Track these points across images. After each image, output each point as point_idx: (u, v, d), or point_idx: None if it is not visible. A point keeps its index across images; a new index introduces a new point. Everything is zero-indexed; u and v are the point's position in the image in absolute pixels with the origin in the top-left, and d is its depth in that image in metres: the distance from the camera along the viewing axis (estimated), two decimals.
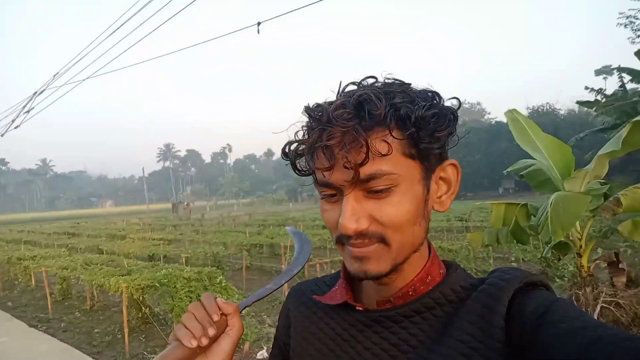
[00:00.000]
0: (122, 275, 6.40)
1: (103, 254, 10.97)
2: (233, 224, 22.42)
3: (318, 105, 0.62)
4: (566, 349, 0.48)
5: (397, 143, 0.58)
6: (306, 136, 0.62)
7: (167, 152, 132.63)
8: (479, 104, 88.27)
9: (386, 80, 0.63)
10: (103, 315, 7.67)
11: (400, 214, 0.59)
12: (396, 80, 0.63)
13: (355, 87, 0.63)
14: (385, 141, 0.57)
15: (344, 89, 0.63)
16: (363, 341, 0.65)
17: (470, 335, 0.57)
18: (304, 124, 0.63)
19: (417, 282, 0.65)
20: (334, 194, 0.61)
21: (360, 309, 0.68)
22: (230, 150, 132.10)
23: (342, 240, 0.61)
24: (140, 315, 6.60)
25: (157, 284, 5.95)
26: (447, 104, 0.64)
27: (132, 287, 5.82)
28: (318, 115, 0.59)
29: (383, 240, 0.59)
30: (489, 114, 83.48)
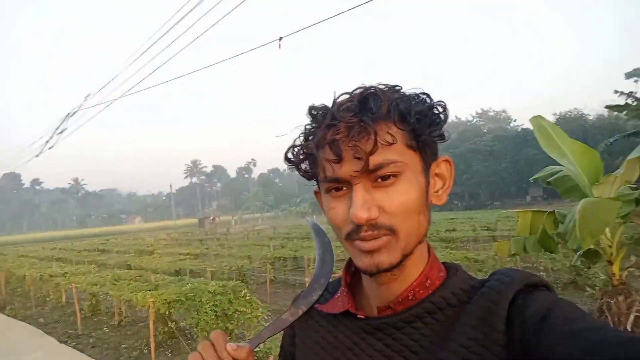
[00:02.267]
0: (149, 290, 6.48)
1: (131, 269, 11.18)
2: (257, 238, 22.55)
3: (321, 106, 0.65)
4: (569, 352, 0.48)
5: (400, 134, 0.61)
6: (308, 138, 0.65)
7: (193, 168, 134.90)
8: (504, 111, 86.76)
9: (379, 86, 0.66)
10: (130, 330, 7.78)
11: (407, 201, 0.61)
12: (386, 84, 0.66)
13: (346, 96, 0.65)
14: (390, 133, 0.60)
15: (336, 98, 0.65)
16: (366, 349, 0.66)
17: (472, 339, 0.57)
18: (305, 126, 0.67)
19: (416, 286, 0.65)
20: (340, 187, 0.63)
21: (362, 316, 0.69)
22: (254, 164, 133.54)
23: (352, 234, 0.62)
24: (166, 329, 6.68)
25: (183, 298, 6.01)
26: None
27: (159, 301, 5.89)
28: (323, 115, 0.63)
29: (392, 230, 0.60)
30: (515, 121, 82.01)
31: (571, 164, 4.92)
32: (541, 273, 8.87)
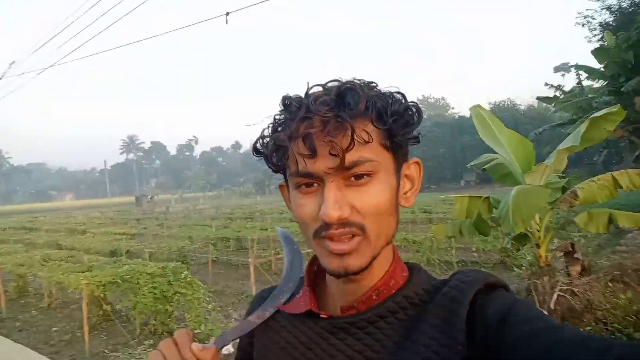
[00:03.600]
0: (83, 272, 6.18)
1: (62, 249, 10.60)
2: (199, 218, 22.11)
3: (296, 97, 0.62)
4: (530, 351, 0.48)
5: (376, 133, 0.60)
6: (279, 129, 0.63)
7: (130, 144, 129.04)
8: (443, 99, 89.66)
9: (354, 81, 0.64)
10: (62, 313, 7.41)
11: (380, 202, 0.60)
12: (362, 80, 0.64)
13: (320, 89, 0.63)
14: (366, 130, 0.58)
15: (309, 89, 0.63)
16: (328, 349, 0.65)
17: (434, 339, 0.57)
18: (276, 116, 0.64)
19: (380, 285, 0.65)
20: (311, 183, 0.61)
21: (325, 316, 0.67)
22: (196, 142, 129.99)
23: (321, 232, 0.60)
24: (101, 312, 6.42)
25: (119, 281, 5.78)
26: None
27: (93, 284, 5.63)
28: (297, 106, 0.60)
29: (362, 229, 0.59)
30: (453, 108, 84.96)
31: (506, 152, 5.18)
32: (473, 254, 9.38)
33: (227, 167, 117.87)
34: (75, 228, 17.47)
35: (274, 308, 0.73)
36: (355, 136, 0.57)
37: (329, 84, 0.63)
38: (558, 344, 0.47)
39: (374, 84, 0.64)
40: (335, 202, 0.58)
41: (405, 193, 0.67)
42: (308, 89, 0.63)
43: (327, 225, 0.59)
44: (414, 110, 0.63)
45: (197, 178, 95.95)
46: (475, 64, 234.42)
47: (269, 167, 0.65)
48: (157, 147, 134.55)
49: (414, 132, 0.65)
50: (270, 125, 0.65)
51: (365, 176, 0.59)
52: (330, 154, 0.57)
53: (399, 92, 0.64)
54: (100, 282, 5.69)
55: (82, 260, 7.71)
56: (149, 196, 49.91)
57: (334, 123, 0.57)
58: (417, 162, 0.68)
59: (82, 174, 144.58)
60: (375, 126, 0.60)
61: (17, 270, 7.80)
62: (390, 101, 0.61)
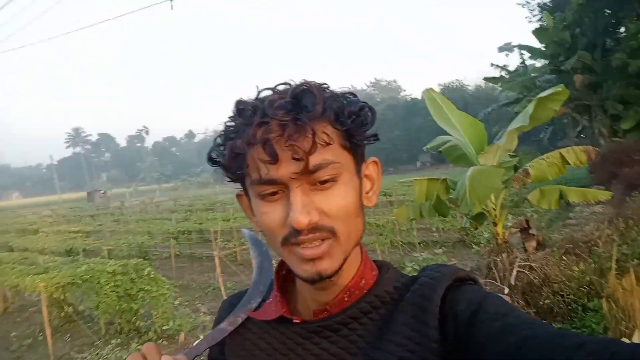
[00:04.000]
0: (39, 274, 5.96)
1: (13, 251, 10.14)
2: (157, 211, 21.60)
3: (250, 102, 0.61)
4: (501, 347, 0.49)
5: (335, 134, 0.59)
6: (232, 136, 0.60)
7: (76, 136, 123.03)
8: (395, 81, 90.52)
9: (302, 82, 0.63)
10: (20, 317, 7.16)
11: (347, 203, 0.60)
12: (314, 82, 0.63)
13: (270, 93, 0.62)
14: (326, 132, 0.58)
15: (258, 94, 0.62)
16: (302, 354, 0.64)
17: (407, 337, 0.58)
18: (228, 123, 0.62)
19: (351, 286, 0.65)
20: (274, 192, 0.59)
21: (297, 321, 0.66)
22: (147, 132, 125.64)
23: (291, 239, 0.59)
24: (63, 314, 6.23)
25: (78, 281, 5.63)
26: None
27: (51, 285, 5.46)
28: (252, 111, 0.58)
29: (333, 232, 0.59)
30: (405, 91, 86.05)
31: (459, 134, 5.35)
32: (434, 234, 9.69)
33: (181, 157, 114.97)
34: (25, 228, 16.68)
35: (245, 314, 0.72)
36: (316, 138, 0.56)
37: (280, 87, 0.62)
38: (530, 340, 0.48)
39: (325, 85, 0.63)
40: (303, 207, 0.57)
41: (367, 193, 0.67)
42: (259, 93, 0.62)
43: (296, 232, 0.58)
44: (368, 110, 0.63)
45: (151, 170, 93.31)
46: (425, 46, 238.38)
47: (227, 177, 0.63)
48: (106, 139, 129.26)
49: (370, 132, 0.65)
50: (223, 133, 0.63)
51: (329, 181, 0.59)
52: (293, 158, 0.56)
53: (350, 93, 0.64)
54: (58, 283, 5.52)
55: (37, 262, 7.42)
56: (102, 191, 48.13)
57: (293, 127, 0.55)
58: (375, 162, 0.68)
59: (27, 171, 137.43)
60: (334, 127, 0.59)
61: None
62: (345, 102, 0.61)
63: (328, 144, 0.57)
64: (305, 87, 0.59)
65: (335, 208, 0.59)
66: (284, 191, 0.59)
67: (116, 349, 5.25)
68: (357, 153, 0.63)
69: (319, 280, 0.60)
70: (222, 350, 0.73)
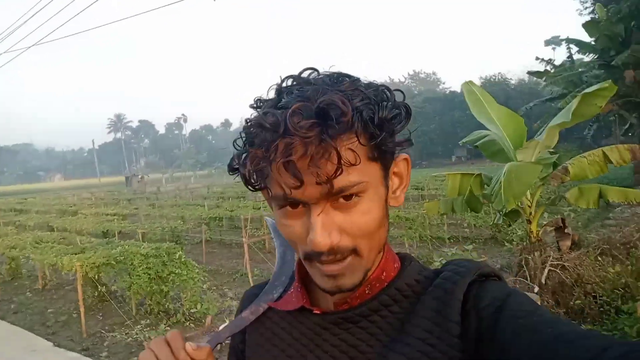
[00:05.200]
0: (76, 254, 6.19)
1: (54, 231, 10.55)
2: (191, 197, 22.05)
3: (267, 112, 0.54)
4: (524, 346, 0.48)
5: (362, 148, 0.55)
6: (254, 142, 0.55)
7: (118, 122, 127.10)
8: (434, 73, 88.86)
9: (331, 74, 0.59)
10: (57, 294, 7.44)
11: (370, 221, 0.57)
12: (342, 74, 0.59)
13: (294, 81, 0.58)
14: (352, 149, 0.53)
15: (281, 83, 0.59)
16: (322, 344, 0.64)
17: (428, 331, 0.57)
18: (250, 127, 0.56)
19: (373, 280, 0.63)
20: (296, 204, 0.56)
21: (318, 312, 0.66)
22: (185, 120, 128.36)
23: (312, 257, 0.57)
24: (96, 293, 6.45)
25: (113, 262, 5.81)
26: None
27: (87, 265, 5.65)
28: (271, 124, 0.53)
29: (355, 251, 0.57)
30: (444, 83, 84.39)
31: (498, 129, 5.19)
32: (465, 230, 9.48)
33: (217, 145, 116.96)
34: (65, 209, 17.37)
35: (267, 304, 0.72)
36: (342, 160, 0.52)
37: (306, 74, 0.58)
38: (554, 339, 0.47)
39: (357, 81, 0.57)
40: (324, 230, 0.55)
41: (394, 192, 0.64)
42: (280, 86, 0.58)
43: (317, 253, 0.56)
44: (404, 111, 0.58)
45: (187, 157, 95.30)
46: (467, 37, 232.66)
47: (247, 187, 0.60)
48: (145, 126, 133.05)
49: (405, 132, 0.60)
50: (244, 137, 0.58)
51: (354, 196, 0.55)
52: (317, 182, 0.52)
53: (382, 87, 0.58)
54: (94, 263, 5.70)
55: (74, 242, 7.70)
56: (139, 176, 49.57)
57: (316, 147, 0.51)
58: (405, 159, 0.64)
59: (70, 154, 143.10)
60: (362, 140, 0.54)
61: (9, 252, 7.77)
62: (376, 107, 0.55)
63: (353, 164, 0.53)
64: (333, 96, 0.52)
65: (358, 227, 0.56)
66: (306, 206, 0.56)
67: (145, 329, 5.38)
68: (386, 159, 0.59)
69: (339, 293, 0.60)
70: (243, 339, 0.74)
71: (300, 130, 0.51)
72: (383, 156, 0.58)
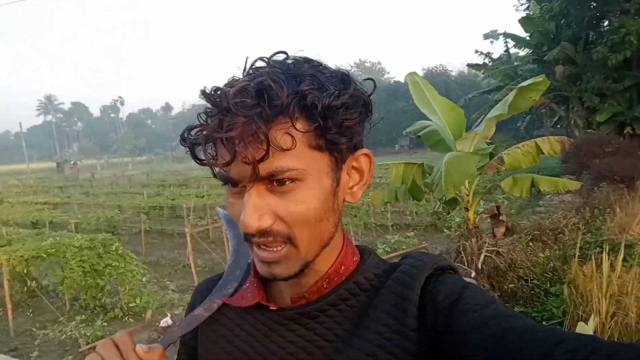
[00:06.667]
0: (2, 246, 5.77)
1: None
2: (129, 185, 21.24)
3: (217, 89, 0.55)
4: (480, 338, 0.49)
5: (301, 135, 0.53)
6: (208, 121, 0.56)
7: (48, 104, 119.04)
8: (379, 63, 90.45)
9: (297, 58, 0.58)
10: None
11: (306, 211, 0.55)
12: (307, 58, 0.58)
13: (264, 64, 0.57)
14: (288, 133, 0.52)
15: (251, 65, 0.58)
16: (278, 340, 0.63)
17: (385, 325, 0.57)
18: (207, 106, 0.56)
19: (331, 274, 0.63)
20: (236, 184, 0.56)
21: (274, 308, 0.65)
22: (122, 103, 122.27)
23: (248, 237, 0.57)
24: (25, 289, 6.05)
25: (43, 255, 5.46)
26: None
27: (14, 259, 5.27)
28: (217, 100, 0.53)
29: (289, 240, 0.56)
30: (389, 73, 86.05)
31: (439, 119, 5.34)
32: (407, 217, 9.77)
33: (157, 130, 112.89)
34: None
35: (221, 300, 0.69)
36: (271, 145, 0.51)
37: (277, 56, 0.58)
38: (508, 332, 0.48)
39: (317, 67, 0.57)
40: (254, 211, 0.54)
41: (352, 188, 0.62)
42: (245, 66, 0.58)
43: (247, 234, 0.56)
44: (357, 101, 0.56)
45: (125, 142, 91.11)
46: (410, 28, 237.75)
47: (196, 162, 0.58)
48: (79, 108, 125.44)
49: (363, 124, 0.59)
50: (200, 114, 0.58)
51: (288, 181, 0.54)
52: (243, 162, 0.51)
53: (344, 75, 0.57)
54: (22, 256, 5.34)
55: (0, 233, 7.18)
56: (72, 162, 46.88)
57: (248, 127, 0.51)
58: (366, 154, 0.62)
59: None
60: (297, 129, 0.53)
61: None
62: (322, 94, 0.53)
63: (286, 149, 0.52)
64: (271, 77, 0.52)
65: (292, 215, 0.55)
66: (243, 186, 0.56)
67: (80, 326, 5.12)
68: (336, 150, 0.57)
69: (275, 280, 0.59)
70: (195, 335, 0.72)
71: (237, 108, 0.51)
72: (332, 147, 0.56)
